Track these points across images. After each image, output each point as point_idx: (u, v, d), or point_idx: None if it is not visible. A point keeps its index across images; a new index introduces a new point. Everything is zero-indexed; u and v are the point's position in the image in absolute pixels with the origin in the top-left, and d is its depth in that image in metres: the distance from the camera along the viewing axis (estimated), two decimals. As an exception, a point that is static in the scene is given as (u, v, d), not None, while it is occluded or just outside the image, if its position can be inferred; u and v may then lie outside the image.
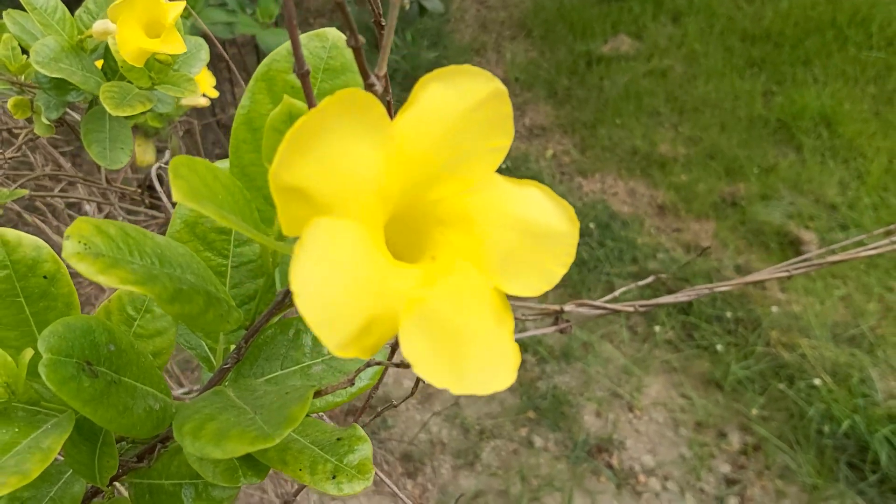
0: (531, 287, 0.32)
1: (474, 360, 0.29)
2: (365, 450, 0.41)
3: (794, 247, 3.10)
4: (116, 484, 0.48)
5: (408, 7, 2.94)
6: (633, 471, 2.47)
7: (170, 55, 0.75)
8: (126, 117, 0.91)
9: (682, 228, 3.26)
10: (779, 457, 2.46)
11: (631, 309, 0.82)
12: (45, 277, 0.40)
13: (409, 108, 0.31)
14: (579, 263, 3.13)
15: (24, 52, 1.05)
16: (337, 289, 0.26)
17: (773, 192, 3.33)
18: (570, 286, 3.08)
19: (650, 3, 4.56)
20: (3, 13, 0.84)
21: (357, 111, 0.28)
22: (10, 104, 0.76)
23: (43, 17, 0.81)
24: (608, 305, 0.96)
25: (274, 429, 0.32)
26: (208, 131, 3.04)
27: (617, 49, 4.28)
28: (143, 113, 0.82)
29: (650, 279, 0.96)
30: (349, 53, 0.41)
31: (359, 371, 0.42)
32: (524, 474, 2.47)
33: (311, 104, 0.31)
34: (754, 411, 2.57)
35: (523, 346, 2.87)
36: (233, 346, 0.44)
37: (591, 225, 3.24)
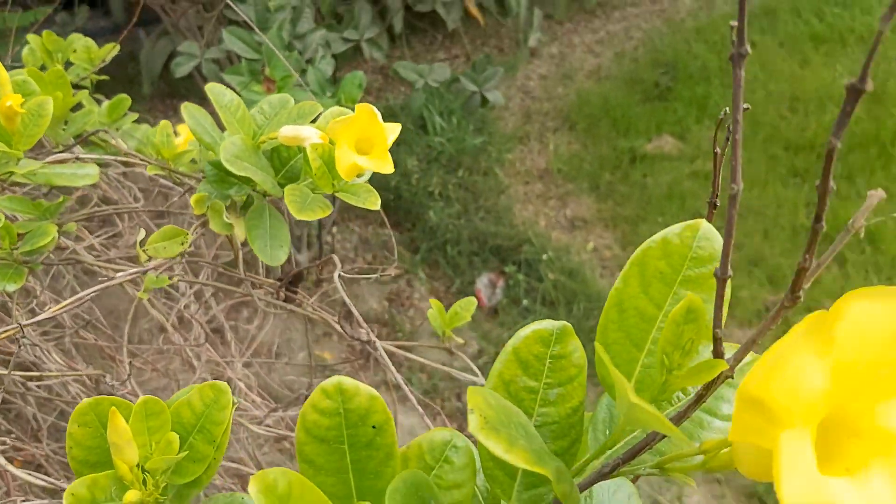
0: None
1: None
2: None
3: (838, 362, 3.07)
4: None
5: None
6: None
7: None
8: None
9: (726, 336, 3.24)
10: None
11: None
12: (374, 427, 0.40)
13: (838, 323, 0.31)
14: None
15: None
16: (807, 499, 0.27)
17: (818, 304, 3.32)
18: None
19: (694, 106, 4.63)
20: (182, 106, 0.86)
21: (818, 334, 0.29)
22: (192, 200, 0.78)
23: (227, 114, 0.83)
24: None
25: None
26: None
27: (661, 148, 4.34)
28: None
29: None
30: (717, 244, 0.43)
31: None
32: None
33: (718, 306, 0.32)
34: (799, 531, 2.51)
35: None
36: None
37: (634, 323, 3.23)
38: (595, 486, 0.44)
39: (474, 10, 3.89)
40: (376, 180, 3.23)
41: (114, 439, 0.47)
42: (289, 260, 1.03)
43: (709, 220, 0.46)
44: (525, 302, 3.37)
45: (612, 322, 0.42)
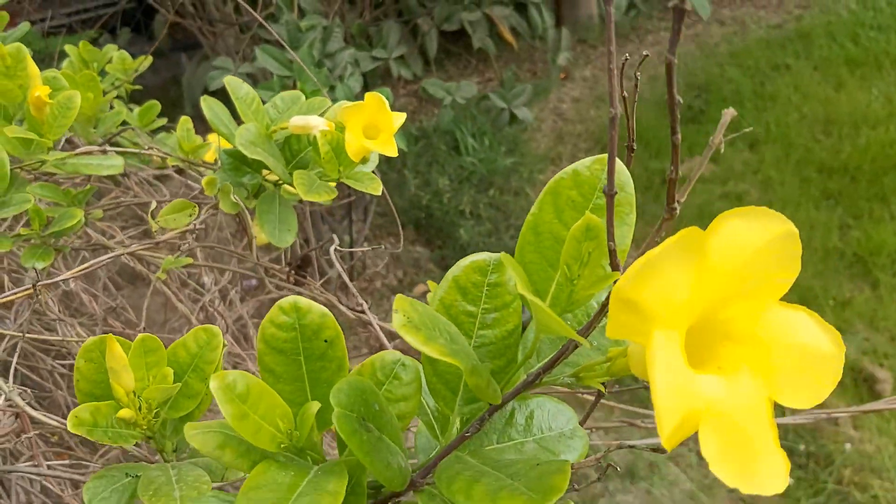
0: (802, 400, 0.37)
1: (759, 463, 0.34)
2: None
3: (868, 384, 3.05)
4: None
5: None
6: None
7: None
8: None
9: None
10: None
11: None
12: (325, 341, 0.45)
13: (712, 237, 0.36)
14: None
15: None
16: (672, 389, 0.32)
17: (848, 326, 3.30)
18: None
19: (727, 129, 4.62)
20: (202, 99, 0.93)
21: (689, 245, 0.34)
22: (203, 182, 0.84)
23: (243, 105, 0.90)
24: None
25: (541, 495, 0.36)
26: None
27: (692, 170, 4.34)
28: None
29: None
30: (624, 177, 0.48)
31: (605, 453, 0.46)
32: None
33: (610, 221, 0.36)
34: (825, 550, 2.49)
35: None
36: (461, 418, 0.49)
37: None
38: (536, 409, 0.49)
39: (507, 34, 3.97)
40: (408, 199, 3.34)
41: (111, 364, 0.53)
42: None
43: (627, 165, 0.51)
44: (553, 319, 3.40)
45: (528, 244, 0.47)
